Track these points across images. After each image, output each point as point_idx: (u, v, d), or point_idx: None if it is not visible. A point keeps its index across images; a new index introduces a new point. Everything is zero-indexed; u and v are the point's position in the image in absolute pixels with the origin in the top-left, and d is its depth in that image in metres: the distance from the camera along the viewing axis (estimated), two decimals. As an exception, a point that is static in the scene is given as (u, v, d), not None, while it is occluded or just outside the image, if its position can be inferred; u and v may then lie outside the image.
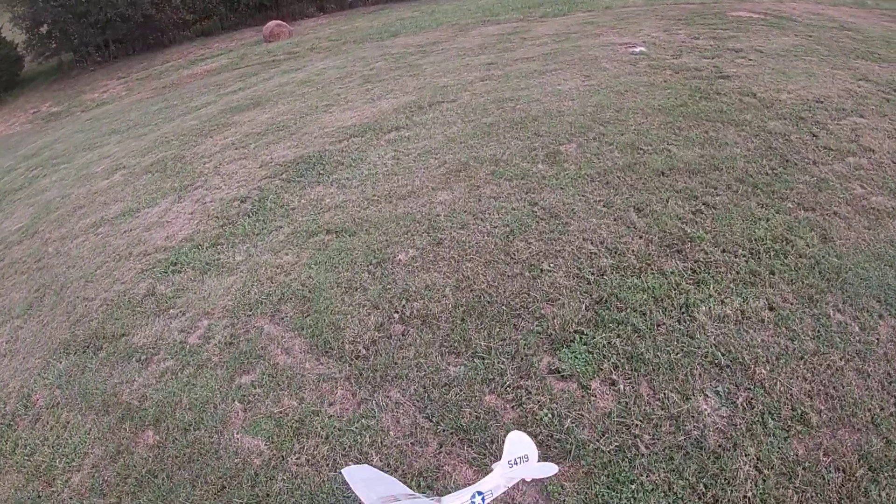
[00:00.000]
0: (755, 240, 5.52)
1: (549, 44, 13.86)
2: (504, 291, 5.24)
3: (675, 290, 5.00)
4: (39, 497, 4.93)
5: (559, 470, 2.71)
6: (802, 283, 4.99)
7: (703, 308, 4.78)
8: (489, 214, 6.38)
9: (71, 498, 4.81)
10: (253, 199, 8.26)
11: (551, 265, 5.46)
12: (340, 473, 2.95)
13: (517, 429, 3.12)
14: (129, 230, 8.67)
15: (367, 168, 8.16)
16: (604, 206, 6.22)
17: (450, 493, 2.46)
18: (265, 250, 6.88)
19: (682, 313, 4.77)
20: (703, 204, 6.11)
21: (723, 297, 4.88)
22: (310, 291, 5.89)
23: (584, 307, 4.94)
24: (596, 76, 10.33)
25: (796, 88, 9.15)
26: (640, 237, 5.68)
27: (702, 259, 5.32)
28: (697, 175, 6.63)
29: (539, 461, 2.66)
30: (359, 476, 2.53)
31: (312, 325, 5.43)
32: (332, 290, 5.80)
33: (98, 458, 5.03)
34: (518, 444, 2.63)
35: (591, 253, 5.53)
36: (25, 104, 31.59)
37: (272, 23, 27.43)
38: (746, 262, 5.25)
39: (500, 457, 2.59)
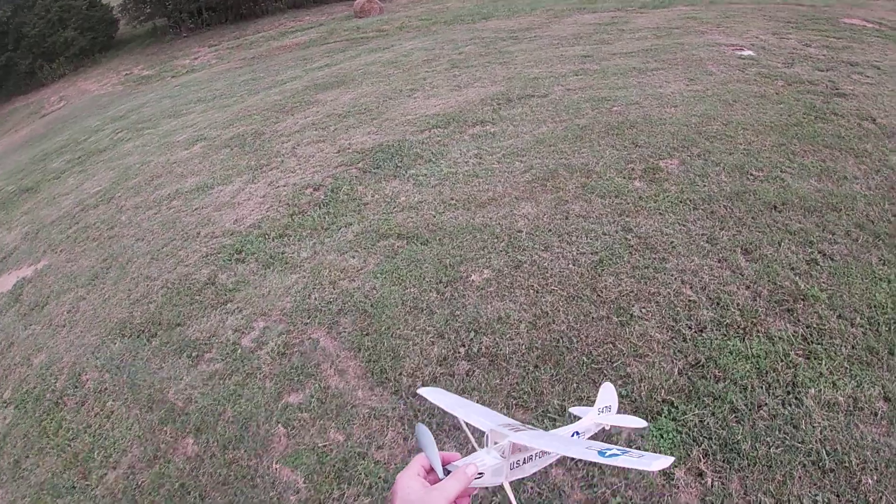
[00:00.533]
0: (875, 306, 4.59)
1: (650, 38, 12.81)
2: (586, 337, 4.48)
3: (782, 361, 4.14)
4: (74, 488, 4.64)
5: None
6: (924, 367, 4.11)
7: (813, 390, 3.91)
8: (576, 237, 5.60)
9: (103, 496, 4.46)
10: (326, 187, 7.72)
11: (643, 311, 4.67)
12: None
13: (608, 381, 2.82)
14: (201, 207, 8.29)
15: (447, 165, 7.48)
16: (707, 241, 5.36)
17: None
18: (332, 249, 6.32)
19: (788, 394, 3.92)
20: (820, 252, 5.19)
21: (835, 377, 4.00)
22: (372, 306, 5.29)
23: (676, 371, 4.15)
24: (701, 80, 9.34)
25: (921, 115, 8.04)
26: (747, 287, 4.82)
27: (815, 325, 4.44)
28: (813, 214, 5.70)
29: (620, 413, 2.43)
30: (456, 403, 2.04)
31: (370, 346, 4.84)
32: (396, 308, 5.18)
33: (135, 459, 4.67)
34: (606, 393, 2.41)
35: (689, 301, 4.71)
36: (119, 66, 32.15)
37: (363, -2, 26.90)
38: (864, 334, 4.34)
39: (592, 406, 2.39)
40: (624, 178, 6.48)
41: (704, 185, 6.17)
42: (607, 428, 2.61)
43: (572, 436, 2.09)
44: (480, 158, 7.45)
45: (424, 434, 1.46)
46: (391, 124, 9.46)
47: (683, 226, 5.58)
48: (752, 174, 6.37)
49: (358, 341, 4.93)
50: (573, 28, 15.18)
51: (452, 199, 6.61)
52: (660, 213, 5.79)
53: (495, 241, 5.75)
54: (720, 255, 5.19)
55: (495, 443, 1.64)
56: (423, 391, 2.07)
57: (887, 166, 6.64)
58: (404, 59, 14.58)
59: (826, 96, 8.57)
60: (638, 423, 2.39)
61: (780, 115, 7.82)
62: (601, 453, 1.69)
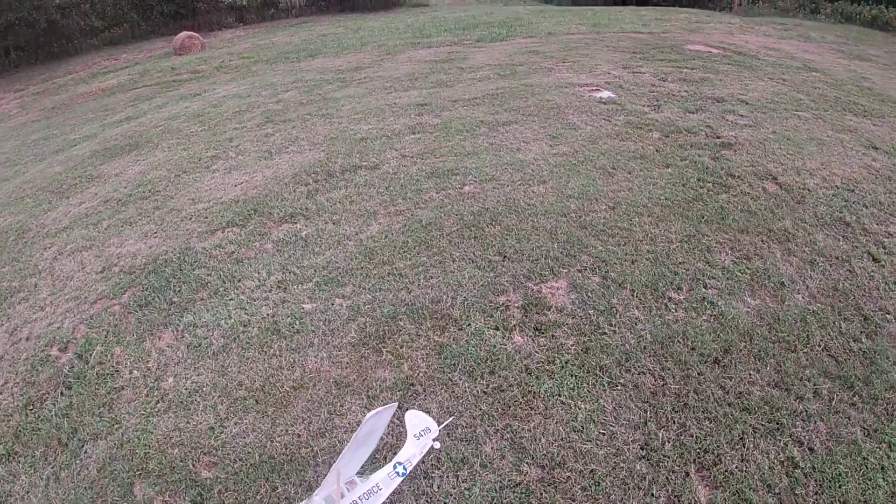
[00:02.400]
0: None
1: (494, 79, 10.78)
2: None
3: None
4: None
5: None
6: None
7: None
8: (440, 495, 3.06)
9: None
10: (76, 345, 4.80)
11: None
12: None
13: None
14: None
15: (238, 304, 4.78)
16: (644, 456, 3.10)
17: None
18: (67, 500, 3.50)
19: None
20: (796, 442, 3.22)
21: None
22: None
23: None
24: (565, 137, 7.32)
25: (816, 167, 6.58)
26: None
27: None
28: (767, 363, 3.72)
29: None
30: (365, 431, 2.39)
31: None
32: None
33: None
34: (416, 419, 2.82)
35: None
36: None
37: (183, 34, 23.26)
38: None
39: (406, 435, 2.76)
40: (498, 327, 4.10)
41: (615, 332, 3.97)
42: (437, 446, 3.03)
43: (395, 468, 2.59)
44: (285, 290, 4.83)
45: None
46: (176, 218, 6.68)
47: (602, 425, 3.30)
48: (670, 298, 4.29)
49: None
50: (407, 67, 12.92)
51: (241, 385, 3.90)
52: (562, 403, 3.45)
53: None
54: (668, 486, 2.97)
55: None
56: (370, 417, 2.25)
57: (817, 251, 4.94)
58: (213, 110, 11.67)
59: (712, 150, 6.87)
60: (447, 420, 2.99)
61: (673, 185, 5.93)
62: (399, 473, 2.46)
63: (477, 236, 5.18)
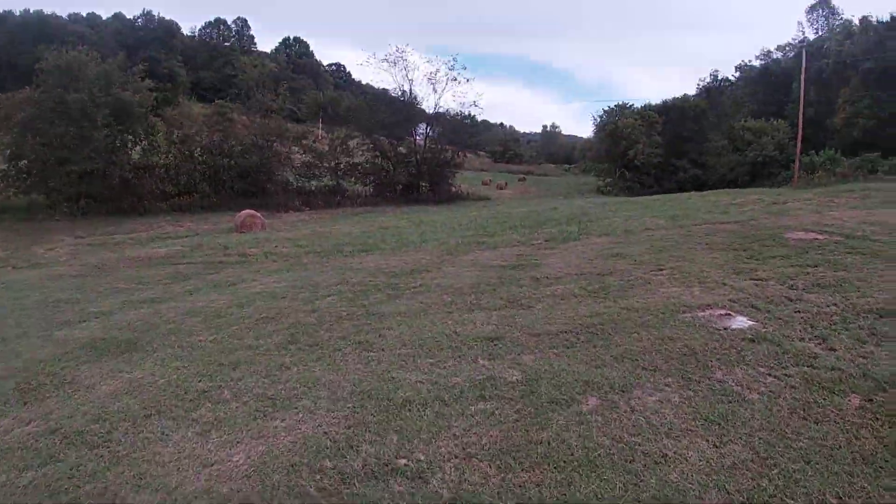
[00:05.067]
0: None
1: (581, 297, 7.90)
2: None
3: None
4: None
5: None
6: None
7: None
8: None
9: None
10: None
11: None
12: None
13: None
14: None
15: None
16: None
17: None
18: None
19: None
20: None
21: None
22: None
23: None
24: (732, 424, 4.12)
25: None
26: None
27: None
28: None
29: None
30: None
31: None
32: None
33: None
34: None
35: None
36: (-21, 240, 25.64)
37: (245, 212, 22.26)
38: None
39: None
40: None
41: None
42: None
43: None
44: None
45: None
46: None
47: None
48: None
49: None
50: (471, 273, 10.31)
51: None
52: None
53: None
54: None
55: None
56: None
57: None
58: (237, 311, 9.11)
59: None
60: None
61: None
62: None
63: None
